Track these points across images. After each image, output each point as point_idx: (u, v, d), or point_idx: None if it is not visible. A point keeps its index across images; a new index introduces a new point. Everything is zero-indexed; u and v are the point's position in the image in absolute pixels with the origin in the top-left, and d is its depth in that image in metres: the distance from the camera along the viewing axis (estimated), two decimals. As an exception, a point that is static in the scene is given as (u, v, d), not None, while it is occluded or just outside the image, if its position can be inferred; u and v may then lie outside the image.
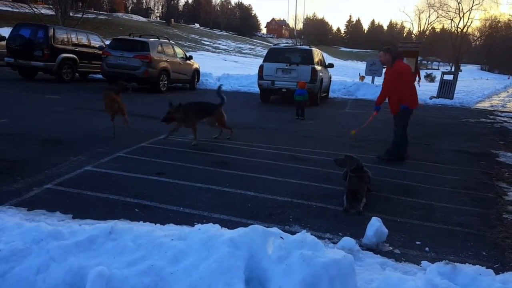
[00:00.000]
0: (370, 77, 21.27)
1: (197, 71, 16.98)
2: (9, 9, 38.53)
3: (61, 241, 2.27)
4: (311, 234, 2.51)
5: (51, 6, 27.17)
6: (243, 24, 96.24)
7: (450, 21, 62.14)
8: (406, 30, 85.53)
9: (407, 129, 6.64)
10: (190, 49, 41.20)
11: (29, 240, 2.29)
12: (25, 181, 4.35)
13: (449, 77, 19.50)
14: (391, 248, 3.41)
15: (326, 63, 15.55)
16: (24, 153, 5.35)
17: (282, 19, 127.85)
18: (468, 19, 61.25)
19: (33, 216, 3.40)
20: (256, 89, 14.72)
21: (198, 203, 4.13)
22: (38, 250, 2.22)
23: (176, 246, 2.32)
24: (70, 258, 2.16)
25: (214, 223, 2.72)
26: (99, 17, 33.40)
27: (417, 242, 3.56)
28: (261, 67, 13.49)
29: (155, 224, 3.28)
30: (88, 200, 3.97)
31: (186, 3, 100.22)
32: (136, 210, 3.83)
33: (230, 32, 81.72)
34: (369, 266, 2.89)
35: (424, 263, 3.02)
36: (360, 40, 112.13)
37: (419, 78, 22.86)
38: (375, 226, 3.38)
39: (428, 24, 66.55)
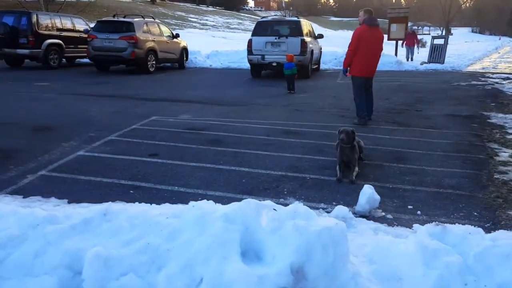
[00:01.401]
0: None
1: (185, 49, 16.76)
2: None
3: (56, 225, 2.30)
4: (306, 205, 2.55)
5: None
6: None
7: (438, -17, 61.28)
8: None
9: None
10: (177, 27, 40.52)
11: (25, 226, 2.31)
12: (19, 169, 4.35)
13: (440, 41, 19.40)
14: (383, 213, 3.47)
15: (316, 34, 15.39)
16: (16, 141, 5.33)
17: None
18: (457, -20, 60.50)
19: (28, 203, 3.42)
20: (247, 65, 14.59)
21: (192, 181, 4.16)
22: (34, 235, 2.25)
23: (171, 224, 2.35)
24: (67, 241, 2.20)
25: (209, 200, 2.75)
26: (82, 0, 32.70)
27: (409, 207, 3.62)
28: (249, 41, 13.33)
29: (151, 204, 3.32)
30: (82, 185, 3.99)
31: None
32: (131, 191, 3.86)
33: (217, 7, 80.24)
34: (362, 232, 2.95)
35: (416, 226, 3.07)
36: (349, 8, 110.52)
37: (417, 44, 22.69)
38: (367, 193, 3.43)
39: (417, -12, 65.69)
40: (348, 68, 6.84)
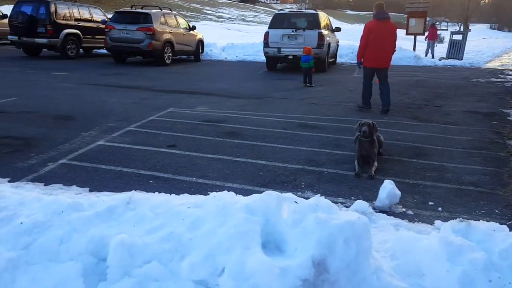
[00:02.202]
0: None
1: (201, 41, 16.77)
2: (9, -14, 37.95)
3: (81, 212, 2.33)
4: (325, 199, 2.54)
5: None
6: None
7: (458, -22, 60.07)
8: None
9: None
10: (193, 19, 40.57)
11: (49, 213, 2.35)
12: (40, 157, 4.41)
13: (458, 37, 19.09)
14: (404, 209, 3.44)
15: (333, 27, 15.25)
16: (36, 130, 5.41)
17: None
18: (477, -25, 59.29)
19: (50, 191, 3.48)
20: (263, 58, 14.55)
21: (210, 173, 4.17)
22: (59, 222, 2.28)
23: (193, 214, 2.36)
24: (92, 228, 2.22)
25: (230, 191, 2.75)
26: (100, -10, 32.87)
27: (430, 203, 3.59)
28: (266, 34, 13.25)
29: (170, 194, 3.35)
30: (103, 174, 4.04)
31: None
32: (151, 181, 3.89)
33: (233, 0, 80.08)
34: (382, 227, 2.94)
35: (438, 222, 3.06)
36: (366, 2, 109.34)
37: (436, 38, 22.25)
38: (388, 188, 3.41)
39: (436, -17, 64.44)
40: (362, 60, 7.33)
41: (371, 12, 7.74)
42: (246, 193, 3.45)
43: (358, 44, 7.43)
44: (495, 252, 2.20)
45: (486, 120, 6.96)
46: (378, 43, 7.06)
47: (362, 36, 7.21)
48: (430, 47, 20.42)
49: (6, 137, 5.09)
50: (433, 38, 20.42)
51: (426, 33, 20.04)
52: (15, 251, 2.19)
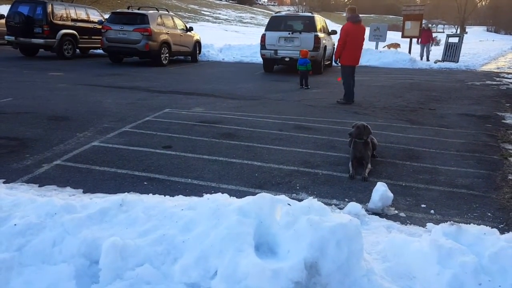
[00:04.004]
0: (374, 43, 20.76)
1: (198, 42, 16.78)
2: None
3: (74, 214, 2.33)
4: (318, 201, 2.56)
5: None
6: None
7: (455, -19, 60.38)
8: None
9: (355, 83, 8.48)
10: (190, 20, 40.61)
11: (43, 214, 2.35)
12: (34, 158, 4.41)
13: (454, 40, 19.17)
14: (396, 212, 3.46)
15: (329, 30, 15.31)
16: (31, 131, 5.40)
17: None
18: (474, -22, 59.53)
19: (44, 192, 3.47)
20: (260, 60, 14.59)
21: (205, 174, 4.18)
22: (52, 224, 2.29)
23: (186, 216, 2.37)
24: (84, 230, 2.23)
25: (222, 193, 2.77)
26: (97, -9, 32.80)
27: (423, 205, 3.61)
28: (263, 36, 13.31)
29: (165, 196, 3.36)
30: (97, 175, 4.04)
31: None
32: (145, 183, 3.90)
33: (230, 1, 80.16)
34: (375, 230, 2.96)
35: (429, 225, 3.08)
36: (363, 4, 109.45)
37: (432, 41, 22.35)
38: (381, 190, 3.43)
39: (433, -15, 64.74)
40: (339, 59, 8.22)
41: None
42: (241, 194, 3.46)
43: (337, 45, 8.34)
44: (485, 256, 2.22)
45: (481, 123, 7.00)
46: (355, 43, 7.97)
47: (340, 38, 7.95)
48: (425, 50, 20.46)
49: (1, 137, 5.08)
50: (427, 42, 20.41)
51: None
52: (9, 252, 2.19)
